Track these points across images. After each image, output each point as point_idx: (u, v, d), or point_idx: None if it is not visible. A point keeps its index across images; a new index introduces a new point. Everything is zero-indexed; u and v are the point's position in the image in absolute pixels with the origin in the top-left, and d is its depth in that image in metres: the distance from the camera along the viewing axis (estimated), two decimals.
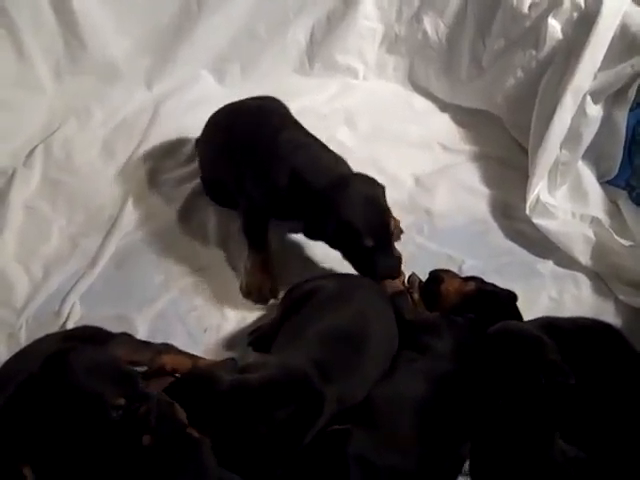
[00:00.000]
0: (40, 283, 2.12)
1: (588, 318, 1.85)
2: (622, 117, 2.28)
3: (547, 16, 2.42)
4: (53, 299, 2.07)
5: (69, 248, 2.24)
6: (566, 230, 2.22)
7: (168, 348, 1.75)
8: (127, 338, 1.75)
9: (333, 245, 1.96)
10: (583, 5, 2.34)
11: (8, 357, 1.71)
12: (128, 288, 2.12)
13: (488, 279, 1.92)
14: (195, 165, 2.50)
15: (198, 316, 2.04)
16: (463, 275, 1.99)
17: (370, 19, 2.85)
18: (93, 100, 2.74)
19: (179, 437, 1.34)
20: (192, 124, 2.63)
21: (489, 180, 2.50)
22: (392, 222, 1.97)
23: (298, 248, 2.21)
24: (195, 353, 1.81)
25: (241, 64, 2.88)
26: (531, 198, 2.29)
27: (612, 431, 1.55)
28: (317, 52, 2.90)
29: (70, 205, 2.38)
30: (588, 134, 2.31)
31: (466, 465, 1.60)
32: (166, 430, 1.33)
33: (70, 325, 1.98)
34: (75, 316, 2.02)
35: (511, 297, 1.85)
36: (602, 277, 2.16)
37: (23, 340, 1.93)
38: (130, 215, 2.35)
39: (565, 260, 2.20)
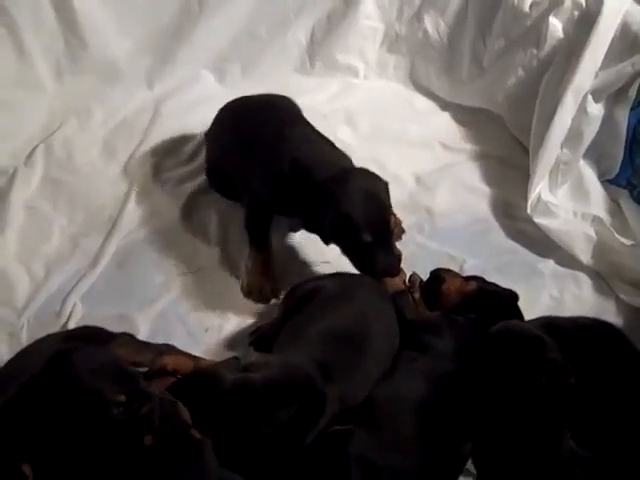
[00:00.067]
0: (41, 283, 2.12)
1: (589, 317, 1.85)
2: (623, 116, 2.29)
3: (548, 15, 2.42)
4: (54, 299, 2.07)
5: (70, 248, 2.24)
6: (567, 229, 2.23)
7: (169, 349, 1.75)
8: (128, 338, 1.75)
9: (331, 239, 1.94)
10: (584, 4, 2.34)
11: (9, 357, 1.71)
12: (129, 288, 2.12)
13: (489, 278, 1.92)
14: (196, 165, 2.51)
15: (199, 316, 2.04)
16: (464, 274, 1.98)
17: (371, 18, 2.85)
18: (94, 100, 2.74)
19: (181, 438, 1.34)
20: (193, 124, 2.65)
21: (490, 179, 2.50)
22: (393, 219, 1.95)
23: (299, 248, 2.21)
24: (196, 353, 1.82)
25: (242, 64, 2.89)
26: (532, 197, 2.29)
27: (613, 431, 1.55)
28: (318, 51, 2.91)
29: (71, 205, 2.38)
30: (589, 133, 2.31)
31: (467, 465, 1.60)
32: (168, 430, 1.33)
33: (71, 325, 1.98)
34: (76, 316, 2.02)
35: (512, 296, 1.85)
36: (603, 276, 2.16)
37: (24, 340, 1.93)
38: (131, 215, 2.35)
39: (566, 259, 2.20)
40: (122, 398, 1.33)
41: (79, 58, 2.73)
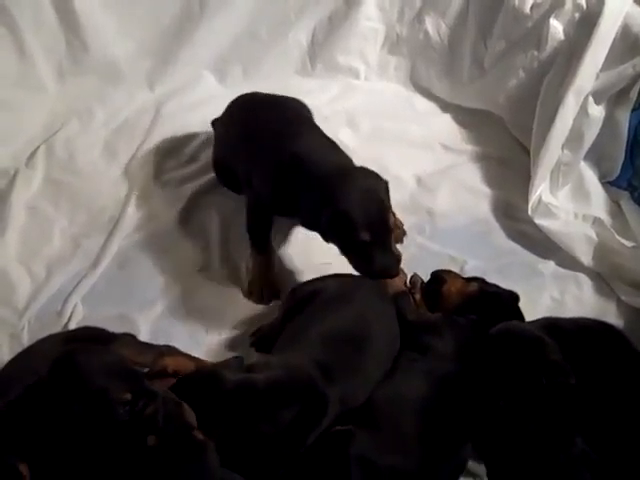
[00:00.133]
0: (42, 283, 2.12)
1: (590, 319, 1.85)
2: (624, 118, 2.29)
3: (549, 17, 2.42)
4: (55, 299, 2.08)
5: (71, 248, 2.24)
6: (568, 230, 2.23)
7: (170, 350, 1.76)
8: (130, 339, 1.76)
9: (328, 237, 1.91)
10: (585, 6, 2.34)
11: (10, 357, 1.71)
12: (130, 288, 2.12)
13: (490, 279, 1.92)
14: (197, 165, 2.51)
15: (200, 317, 2.04)
16: (465, 276, 1.98)
17: (372, 20, 2.85)
18: (95, 101, 2.74)
19: (183, 439, 1.34)
20: (194, 125, 2.65)
21: (491, 180, 2.50)
22: (392, 218, 1.91)
23: (300, 249, 2.21)
24: (197, 354, 1.82)
25: (243, 65, 2.89)
26: (533, 198, 2.29)
27: (613, 432, 1.55)
28: (319, 53, 2.91)
29: (72, 205, 2.38)
30: (590, 135, 2.31)
31: (468, 465, 1.61)
32: (171, 431, 1.33)
33: (72, 325, 1.99)
34: (77, 316, 2.02)
35: (513, 298, 1.85)
36: (604, 277, 2.16)
37: (25, 340, 1.93)
38: (132, 215, 2.35)
39: (567, 260, 2.20)
40: (128, 396, 1.34)
41: (80, 59, 2.73)
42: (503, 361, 1.61)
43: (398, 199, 2.30)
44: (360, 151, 2.36)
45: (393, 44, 2.90)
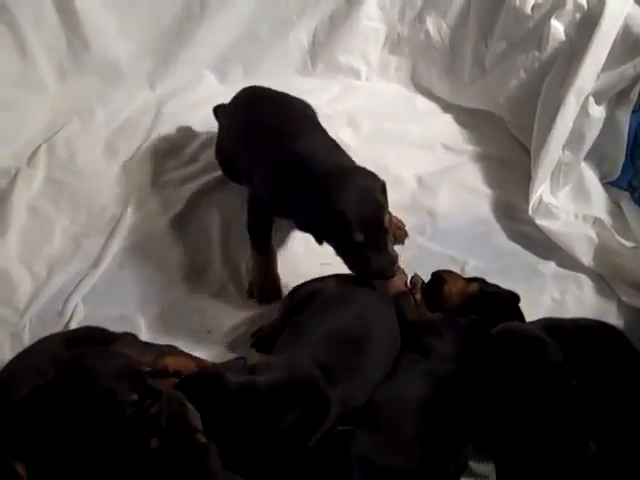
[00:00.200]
0: (43, 283, 2.12)
1: (590, 319, 1.85)
2: (624, 118, 2.29)
3: (550, 17, 2.42)
4: (56, 299, 2.08)
5: (72, 248, 2.24)
6: (568, 231, 2.23)
7: (171, 349, 1.76)
8: (131, 339, 1.76)
9: (323, 238, 1.88)
10: (586, 6, 2.35)
11: (11, 357, 1.71)
12: (131, 288, 2.13)
13: (490, 280, 1.92)
14: (197, 165, 2.52)
15: (200, 317, 2.04)
16: (465, 276, 1.98)
17: (373, 20, 2.85)
18: (96, 100, 2.75)
19: (186, 442, 1.34)
20: (194, 124, 2.65)
21: (491, 181, 2.50)
22: (387, 218, 1.87)
23: (300, 249, 2.21)
24: (198, 354, 1.82)
25: (243, 65, 2.89)
26: (534, 199, 2.29)
27: (613, 432, 1.55)
28: (319, 53, 2.91)
29: (73, 205, 2.38)
30: (591, 135, 2.31)
31: (470, 465, 1.61)
32: (174, 433, 1.34)
33: (73, 325, 1.99)
34: (78, 316, 2.02)
35: (513, 298, 1.85)
36: (604, 278, 2.16)
37: (26, 340, 1.93)
38: (133, 215, 2.35)
39: (567, 261, 2.20)
40: (134, 397, 1.34)
41: (81, 59, 2.74)
42: (504, 361, 1.61)
43: (399, 199, 2.32)
44: (361, 151, 2.36)
45: (394, 44, 2.90)
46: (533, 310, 1.90)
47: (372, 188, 1.87)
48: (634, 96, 2.25)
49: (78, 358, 1.42)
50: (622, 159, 2.33)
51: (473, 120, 2.75)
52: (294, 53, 2.91)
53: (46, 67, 2.72)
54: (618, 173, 2.35)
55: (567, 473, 1.48)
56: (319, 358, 1.59)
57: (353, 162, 2.03)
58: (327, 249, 1.95)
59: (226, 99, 2.43)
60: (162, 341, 1.83)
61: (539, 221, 2.27)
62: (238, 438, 1.45)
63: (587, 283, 2.15)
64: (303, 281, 1.91)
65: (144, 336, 1.92)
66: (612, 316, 2.04)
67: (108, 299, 2.09)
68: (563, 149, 2.31)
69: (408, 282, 1.97)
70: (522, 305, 1.85)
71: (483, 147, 2.63)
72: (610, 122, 2.32)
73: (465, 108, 2.79)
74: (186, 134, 2.65)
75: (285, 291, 2.02)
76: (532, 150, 2.42)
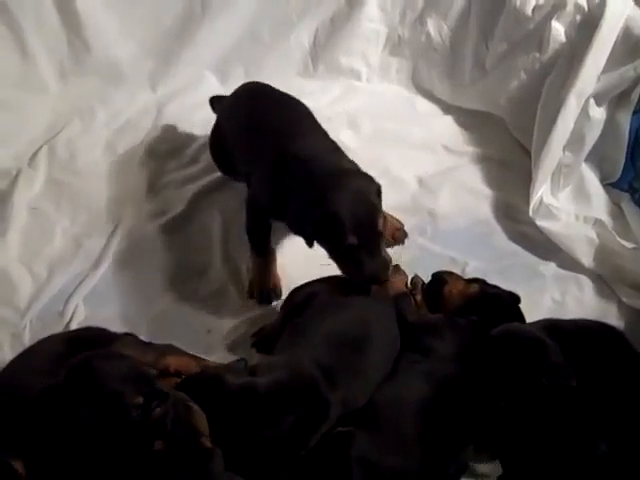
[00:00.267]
0: (44, 284, 2.13)
1: (590, 320, 1.85)
2: (625, 120, 2.29)
3: (550, 19, 2.42)
4: (57, 300, 2.08)
5: (73, 249, 2.24)
6: (569, 232, 2.23)
7: (172, 349, 1.76)
8: (131, 339, 1.76)
9: (315, 240, 1.85)
10: (586, 8, 2.35)
11: (12, 357, 1.72)
12: (131, 289, 2.13)
13: (491, 281, 1.92)
14: (198, 166, 2.52)
15: (201, 317, 2.05)
16: (466, 277, 1.98)
17: (374, 21, 2.85)
18: (97, 101, 2.75)
19: (190, 445, 1.35)
20: (195, 125, 2.66)
21: (492, 182, 2.50)
22: (382, 222, 1.83)
23: (300, 249, 2.20)
24: (198, 354, 1.82)
25: (244, 66, 2.89)
26: (534, 200, 2.29)
27: (613, 432, 1.55)
28: (320, 54, 2.91)
29: (74, 206, 2.39)
30: (591, 136, 2.31)
31: (471, 466, 1.61)
32: (179, 436, 1.34)
33: (74, 325, 1.99)
34: (79, 317, 2.03)
35: (514, 299, 1.85)
36: (605, 279, 2.16)
37: (27, 340, 1.94)
38: (133, 216, 2.35)
39: (568, 262, 2.20)
40: (140, 400, 1.35)
41: (82, 60, 2.74)
42: (504, 362, 1.62)
43: (400, 200, 2.32)
44: (361, 152, 2.36)
45: (395, 46, 2.90)
46: (533, 311, 1.89)
47: (367, 191, 1.84)
48: (634, 97, 2.26)
49: (87, 359, 1.43)
50: (622, 160, 2.33)
51: (474, 121, 2.75)
52: (295, 54, 2.91)
53: (47, 68, 2.72)
54: (619, 174, 2.35)
55: (579, 473, 1.48)
56: (320, 360, 1.59)
57: (352, 163, 2.01)
58: None
59: None
60: (162, 341, 1.83)
61: (539, 222, 2.27)
62: (238, 439, 1.45)
63: (587, 284, 2.15)
64: (303, 282, 1.92)
65: (144, 336, 1.91)
66: (612, 317, 2.04)
67: (108, 299, 2.10)
68: (564, 150, 2.31)
69: (408, 283, 1.97)
70: (522, 306, 1.85)
71: (484, 148, 2.63)
72: (611, 123, 2.32)
73: (466, 109, 2.79)
74: (187, 135, 2.65)
75: (285, 292, 2.02)
76: (533, 151, 2.42)
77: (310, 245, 1.87)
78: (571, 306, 2.09)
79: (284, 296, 2.01)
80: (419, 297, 1.93)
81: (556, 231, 2.24)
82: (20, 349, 1.78)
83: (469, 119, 2.76)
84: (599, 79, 2.24)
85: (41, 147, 2.57)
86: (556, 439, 1.52)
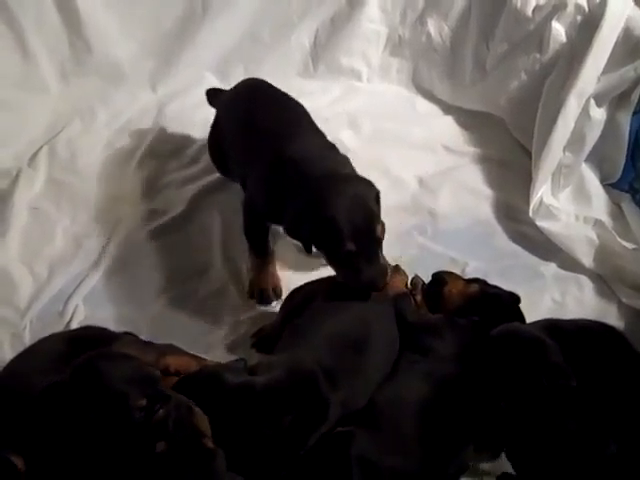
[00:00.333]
0: (44, 283, 2.13)
1: (591, 320, 1.84)
2: (625, 120, 2.29)
3: (551, 19, 2.43)
4: (57, 299, 2.08)
5: (73, 249, 2.25)
6: (569, 232, 2.23)
7: (172, 349, 1.75)
8: (131, 339, 1.76)
9: (313, 245, 1.84)
10: (587, 8, 2.35)
11: (12, 356, 1.71)
12: (131, 289, 2.13)
13: (491, 281, 1.92)
14: (198, 167, 2.52)
15: (201, 317, 2.04)
16: (466, 277, 1.98)
17: (374, 22, 2.86)
18: (97, 101, 2.75)
19: (192, 446, 1.35)
20: (196, 126, 2.66)
21: (492, 182, 2.51)
22: (380, 228, 1.79)
23: (300, 249, 2.20)
24: (198, 354, 1.81)
25: (245, 66, 2.89)
26: (534, 200, 2.30)
27: (613, 433, 1.55)
28: (321, 55, 2.91)
29: (74, 206, 2.39)
30: (591, 137, 2.32)
31: (472, 465, 1.61)
32: (181, 437, 1.34)
33: (74, 325, 1.99)
34: (79, 316, 2.03)
35: (514, 299, 1.85)
36: (605, 279, 2.16)
37: (27, 340, 1.94)
38: (133, 216, 2.35)
39: (568, 262, 2.21)
40: (143, 402, 1.35)
41: (83, 60, 2.75)
42: (504, 363, 1.61)
43: (400, 200, 2.33)
44: (362, 152, 2.37)
45: (395, 46, 2.90)
46: (534, 311, 1.89)
47: (366, 196, 1.82)
48: (635, 98, 2.26)
49: (92, 359, 1.43)
50: (623, 161, 2.33)
51: (474, 122, 2.75)
52: (295, 55, 2.92)
53: (48, 68, 2.72)
54: (619, 175, 2.35)
55: (591, 472, 1.48)
56: (321, 361, 1.59)
57: (351, 166, 2.00)
58: None
59: None
60: (162, 341, 1.82)
61: (540, 222, 2.27)
62: (236, 438, 1.45)
63: (587, 284, 2.16)
64: (303, 282, 1.92)
65: (144, 336, 1.90)
66: (612, 317, 2.04)
67: (109, 299, 2.10)
68: (564, 151, 2.31)
69: (409, 283, 1.97)
70: (523, 306, 1.85)
71: (484, 149, 2.64)
72: (611, 124, 2.32)
73: (466, 110, 2.80)
74: (187, 135, 2.65)
75: (285, 292, 2.02)
76: (533, 152, 2.42)
77: (308, 251, 1.86)
78: (571, 306, 2.10)
79: (284, 296, 2.01)
80: (419, 297, 1.92)
81: (556, 231, 2.24)
82: (20, 349, 1.77)
83: (469, 119, 2.77)
84: (599, 79, 2.24)
85: (42, 147, 2.58)
86: (567, 439, 1.52)
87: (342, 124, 2.70)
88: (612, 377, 1.62)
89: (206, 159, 2.51)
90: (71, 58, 2.74)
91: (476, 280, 1.93)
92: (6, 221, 2.29)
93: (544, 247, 2.26)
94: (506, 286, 1.90)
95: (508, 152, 2.62)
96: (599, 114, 2.29)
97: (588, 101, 2.26)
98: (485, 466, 1.64)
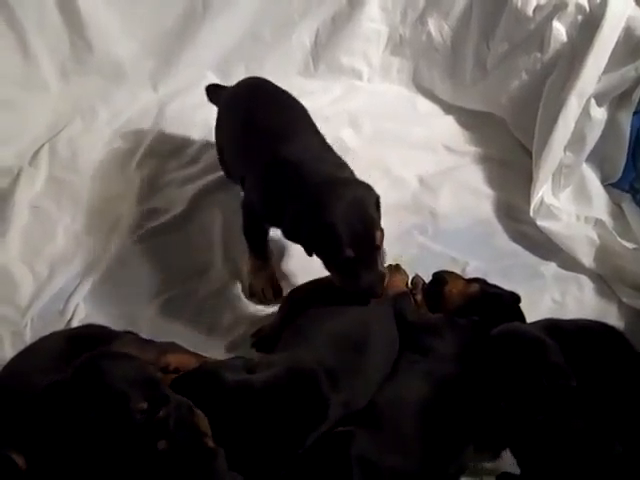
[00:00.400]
0: (45, 282, 2.13)
1: (591, 320, 1.85)
2: (626, 120, 2.29)
3: (552, 19, 2.43)
4: (58, 298, 2.08)
5: (74, 247, 2.25)
6: (569, 232, 2.23)
7: (173, 347, 1.76)
8: (132, 337, 1.76)
9: (311, 249, 1.81)
10: (588, 8, 2.35)
11: (13, 355, 1.71)
12: (132, 287, 2.13)
13: (491, 281, 1.92)
14: (199, 166, 2.52)
15: (201, 317, 2.04)
16: (466, 277, 1.98)
17: (375, 21, 2.86)
18: (98, 100, 2.75)
19: (194, 445, 1.35)
20: (196, 125, 2.66)
21: (493, 182, 2.51)
22: (379, 235, 1.76)
23: (300, 249, 2.20)
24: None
25: (246, 66, 2.88)
26: (535, 200, 2.30)
27: (613, 433, 1.55)
28: (322, 54, 2.91)
29: (75, 205, 2.38)
30: (592, 137, 2.32)
31: (472, 466, 1.61)
32: (182, 436, 1.34)
33: (75, 323, 2.00)
34: (80, 315, 2.03)
35: (514, 299, 1.85)
36: (605, 279, 2.17)
37: (28, 338, 1.94)
38: (134, 215, 2.35)
39: (568, 262, 2.21)
40: (144, 405, 1.35)
41: (84, 59, 2.74)
42: (504, 362, 1.61)
43: (400, 199, 2.33)
44: (362, 152, 2.37)
45: (396, 45, 2.91)
46: (534, 311, 1.89)
47: (365, 201, 1.79)
48: (635, 98, 2.26)
49: (95, 358, 1.44)
50: (623, 161, 2.33)
51: (475, 121, 2.75)
52: (296, 54, 2.92)
53: (49, 67, 2.72)
54: (619, 175, 2.35)
55: (598, 472, 1.49)
56: (322, 362, 1.59)
57: (349, 169, 1.97)
58: None
59: None
60: (162, 340, 1.83)
61: (540, 222, 2.27)
62: (235, 436, 1.45)
63: (588, 284, 2.16)
64: (303, 282, 1.92)
65: (144, 335, 1.90)
66: (613, 317, 2.05)
67: (109, 298, 2.10)
68: (564, 150, 2.32)
69: (409, 283, 1.97)
70: (523, 306, 1.85)
71: (484, 148, 2.64)
72: (611, 124, 2.32)
73: (467, 109, 2.80)
74: (188, 135, 2.65)
75: (285, 292, 2.02)
76: (533, 151, 2.42)
77: (309, 254, 1.84)
78: (571, 306, 2.10)
79: (284, 295, 2.01)
80: (419, 297, 1.92)
81: (557, 231, 2.24)
82: (21, 347, 1.77)
83: (470, 119, 2.77)
84: (600, 79, 2.25)
85: (42, 146, 2.58)
86: (573, 439, 1.52)
87: (343, 123, 2.70)
88: (612, 377, 1.62)
89: (206, 159, 2.52)
90: (72, 57, 2.73)
91: (476, 280, 1.93)
92: (7, 220, 2.29)
93: (544, 247, 2.26)
94: (506, 286, 1.90)
95: (509, 152, 2.62)
96: (600, 114, 2.30)
97: (589, 101, 2.26)
98: (485, 466, 1.64)
